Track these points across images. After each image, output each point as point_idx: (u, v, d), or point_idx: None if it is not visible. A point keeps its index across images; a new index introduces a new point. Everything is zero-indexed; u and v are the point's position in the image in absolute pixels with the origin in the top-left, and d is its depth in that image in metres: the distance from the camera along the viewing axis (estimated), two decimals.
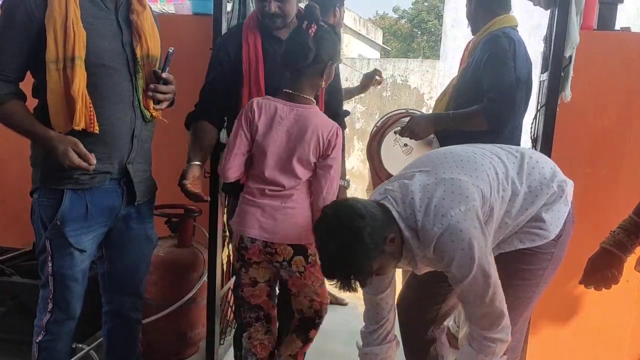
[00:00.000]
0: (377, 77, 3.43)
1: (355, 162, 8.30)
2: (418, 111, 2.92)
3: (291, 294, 2.12)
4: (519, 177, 1.69)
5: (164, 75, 1.85)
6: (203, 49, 2.53)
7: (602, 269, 1.67)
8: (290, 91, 1.99)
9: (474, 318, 1.61)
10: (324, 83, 2.02)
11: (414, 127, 2.55)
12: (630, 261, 1.70)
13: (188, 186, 1.97)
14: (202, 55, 2.51)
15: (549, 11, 2.54)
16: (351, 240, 1.49)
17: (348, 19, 11.55)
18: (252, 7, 2.71)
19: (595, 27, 2.61)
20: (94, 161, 1.70)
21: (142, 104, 1.84)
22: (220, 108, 2.21)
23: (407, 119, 2.67)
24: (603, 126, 2.60)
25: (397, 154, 2.77)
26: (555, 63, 2.30)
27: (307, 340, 2.16)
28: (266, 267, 2.07)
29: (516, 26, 2.53)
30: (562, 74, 2.31)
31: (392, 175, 2.78)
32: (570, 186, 1.76)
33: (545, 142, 2.33)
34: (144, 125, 1.87)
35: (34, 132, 1.70)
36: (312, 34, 1.92)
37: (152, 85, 1.83)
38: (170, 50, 1.85)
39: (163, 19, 3.04)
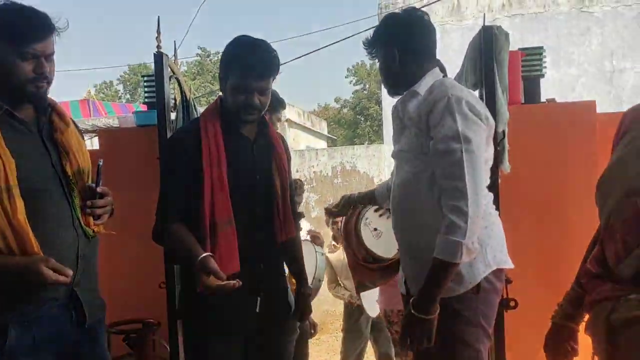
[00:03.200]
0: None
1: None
2: None
3: None
4: None
5: (99, 189, 1.80)
6: (150, 158, 2.55)
7: (560, 344, 1.71)
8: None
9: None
10: None
11: None
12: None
13: (214, 282, 1.77)
14: (149, 165, 2.52)
15: (476, 92, 2.70)
16: None
17: (292, 113, 11.89)
18: (196, 114, 2.77)
19: (523, 101, 2.77)
20: (70, 272, 1.63)
21: (82, 222, 1.79)
22: (184, 211, 1.96)
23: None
24: (544, 193, 2.69)
25: (369, 237, 2.79)
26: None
27: None
28: None
29: None
30: (498, 148, 2.43)
31: (372, 254, 2.78)
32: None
33: None
34: (88, 243, 1.81)
35: None
36: None
37: (89, 202, 1.78)
38: (100, 163, 1.81)
39: (108, 133, 3.10)
